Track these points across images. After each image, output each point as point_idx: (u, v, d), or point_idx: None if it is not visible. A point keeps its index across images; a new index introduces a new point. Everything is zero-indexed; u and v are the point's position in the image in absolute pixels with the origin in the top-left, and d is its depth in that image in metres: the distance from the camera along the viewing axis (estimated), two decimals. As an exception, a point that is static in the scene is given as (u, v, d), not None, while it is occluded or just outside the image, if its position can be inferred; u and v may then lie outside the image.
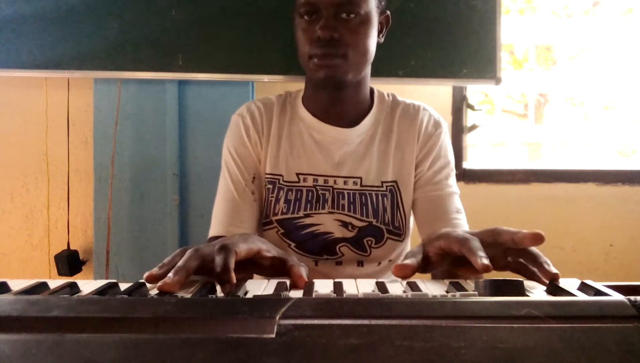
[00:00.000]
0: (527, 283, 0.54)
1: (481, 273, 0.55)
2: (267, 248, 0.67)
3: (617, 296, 0.41)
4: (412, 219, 1.05)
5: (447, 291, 0.51)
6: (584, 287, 0.48)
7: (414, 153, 1.01)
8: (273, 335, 0.34)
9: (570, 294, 0.46)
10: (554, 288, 0.50)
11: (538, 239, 0.57)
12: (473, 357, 0.32)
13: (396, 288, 0.54)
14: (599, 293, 0.44)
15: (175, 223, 1.59)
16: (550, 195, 1.89)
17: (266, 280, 0.60)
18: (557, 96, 2.57)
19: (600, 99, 2.49)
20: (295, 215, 0.98)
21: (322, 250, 0.99)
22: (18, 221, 1.77)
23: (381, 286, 0.52)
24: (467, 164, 1.89)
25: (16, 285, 0.51)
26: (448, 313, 0.37)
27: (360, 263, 1.01)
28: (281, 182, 0.99)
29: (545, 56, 2.51)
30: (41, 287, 0.50)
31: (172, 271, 0.54)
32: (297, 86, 1.11)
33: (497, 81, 1.57)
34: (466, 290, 0.48)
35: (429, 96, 1.81)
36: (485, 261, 0.54)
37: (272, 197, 0.99)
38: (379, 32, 1.00)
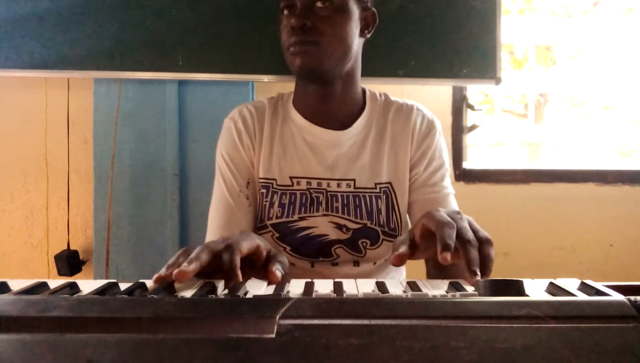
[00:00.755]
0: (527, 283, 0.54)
1: (441, 262, 0.57)
2: (264, 246, 0.68)
3: (617, 296, 0.41)
4: (408, 220, 1.04)
5: (447, 291, 0.51)
6: (584, 287, 0.48)
7: (408, 154, 1.00)
8: (273, 335, 0.34)
9: (570, 294, 0.46)
10: (554, 288, 0.50)
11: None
12: (473, 357, 0.32)
13: (396, 288, 0.54)
14: (599, 293, 0.44)
15: (175, 223, 1.59)
16: (550, 195, 1.89)
17: (267, 280, 0.61)
18: (557, 96, 2.57)
19: (600, 99, 2.49)
20: (290, 219, 0.98)
21: (318, 252, 0.99)
22: (18, 221, 1.77)
23: (381, 286, 0.52)
24: (467, 164, 1.89)
25: (16, 285, 0.51)
26: (448, 313, 0.37)
27: (356, 263, 1.01)
28: (275, 186, 0.99)
29: (545, 56, 2.51)
30: (41, 287, 0.50)
31: (187, 261, 0.57)
32: (297, 86, 1.10)
33: (497, 81, 1.57)
34: (466, 290, 0.48)
35: (429, 96, 1.81)
36: (447, 255, 0.56)
37: (266, 201, 0.99)
38: (364, 28, 0.99)
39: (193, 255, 0.58)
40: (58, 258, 1.68)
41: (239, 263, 0.59)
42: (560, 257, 1.89)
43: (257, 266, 0.67)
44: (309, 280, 0.56)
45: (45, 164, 1.76)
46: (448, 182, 1.03)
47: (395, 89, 1.11)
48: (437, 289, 0.54)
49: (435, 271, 0.77)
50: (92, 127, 1.62)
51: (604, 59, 2.24)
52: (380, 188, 0.99)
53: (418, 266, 0.82)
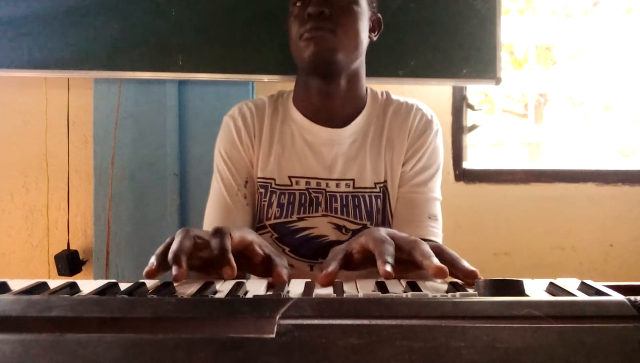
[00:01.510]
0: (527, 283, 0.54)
1: (383, 277, 0.55)
2: (260, 243, 0.67)
3: (617, 296, 0.41)
4: None
5: (447, 291, 0.51)
6: (584, 287, 0.48)
7: (402, 152, 0.99)
8: (273, 335, 0.34)
9: (570, 294, 0.46)
10: (554, 288, 0.50)
11: (440, 274, 0.54)
12: (473, 357, 0.32)
13: (396, 288, 0.54)
14: (599, 293, 0.44)
15: (175, 223, 1.59)
16: (550, 195, 1.89)
17: (266, 280, 0.60)
18: (557, 96, 2.57)
19: (600, 99, 2.49)
20: (289, 219, 0.97)
21: (317, 254, 0.98)
22: (18, 221, 1.77)
23: (381, 286, 0.52)
24: (467, 164, 1.89)
25: (16, 285, 0.51)
26: (448, 313, 0.37)
27: None
28: (273, 186, 0.98)
29: (545, 56, 2.51)
30: (41, 287, 0.50)
31: (171, 260, 0.56)
32: (297, 86, 1.10)
33: (497, 81, 1.57)
34: (466, 290, 0.48)
35: (429, 96, 1.81)
36: (388, 268, 0.54)
37: (264, 201, 0.98)
38: (371, 29, 1.00)
39: (175, 247, 0.57)
40: (58, 258, 1.68)
41: (229, 246, 0.57)
42: (560, 257, 1.89)
43: (252, 263, 0.66)
44: (309, 280, 0.56)
45: (45, 164, 1.76)
46: (436, 186, 1.00)
47: (395, 89, 1.11)
48: (437, 289, 0.54)
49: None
50: (92, 127, 1.62)
51: (604, 59, 2.24)
52: (379, 188, 0.98)
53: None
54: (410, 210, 0.97)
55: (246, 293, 0.53)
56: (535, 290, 0.50)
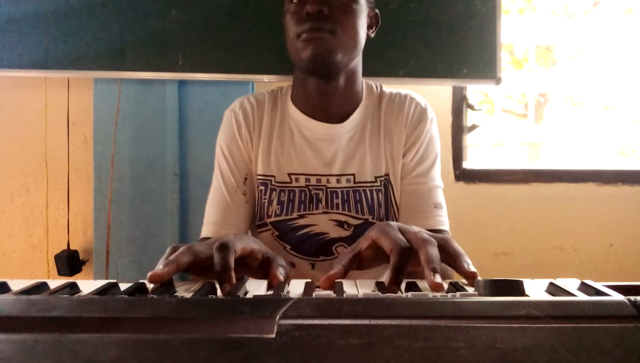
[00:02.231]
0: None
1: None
2: (259, 249, 0.66)
3: (617, 296, 0.41)
4: None
5: (447, 291, 0.51)
6: (584, 287, 0.48)
7: (402, 144, 0.99)
8: (273, 335, 0.34)
9: (570, 294, 0.46)
10: (554, 288, 0.50)
11: (437, 289, 0.51)
12: (473, 357, 0.32)
13: (396, 288, 0.54)
14: (599, 293, 0.44)
15: (175, 223, 1.59)
16: (550, 195, 1.89)
17: (266, 281, 0.60)
18: (557, 96, 2.57)
19: (600, 99, 2.49)
20: (289, 216, 0.97)
21: (318, 251, 0.98)
22: (18, 221, 1.77)
23: (381, 286, 0.52)
24: (467, 164, 1.89)
25: (16, 285, 0.51)
26: (448, 313, 0.37)
27: None
28: (273, 183, 0.98)
29: (545, 56, 2.51)
30: (41, 287, 0.50)
31: (163, 263, 0.56)
32: (297, 85, 1.10)
33: (497, 81, 1.57)
34: (466, 290, 0.48)
35: (429, 96, 1.80)
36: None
37: (265, 199, 0.98)
38: (369, 26, 0.99)
39: (172, 257, 0.57)
40: (58, 258, 1.68)
41: (232, 264, 0.57)
42: (560, 257, 1.89)
43: (250, 267, 0.66)
44: (309, 280, 0.56)
45: (45, 164, 1.76)
46: (436, 173, 1.00)
47: (395, 89, 1.12)
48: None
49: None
50: (92, 127, 1.62)
51: (604, 59, 2.24)
52: (380, 181, 0.98)
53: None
54: (415, 202, 0.97)
55: (246, 293, 0.53)
56: (535, 290, 0.50)
